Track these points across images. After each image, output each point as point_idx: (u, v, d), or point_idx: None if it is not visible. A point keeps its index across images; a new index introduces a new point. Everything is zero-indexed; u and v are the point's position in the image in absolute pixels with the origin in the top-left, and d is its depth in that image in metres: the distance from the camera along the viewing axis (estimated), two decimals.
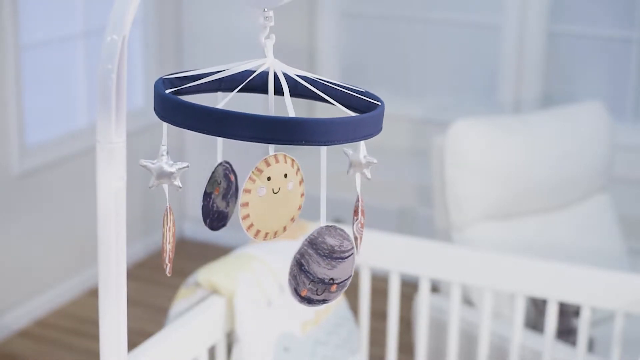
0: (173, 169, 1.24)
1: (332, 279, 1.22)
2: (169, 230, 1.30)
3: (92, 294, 4.04)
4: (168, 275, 1.33)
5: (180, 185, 1.25)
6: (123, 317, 1.36)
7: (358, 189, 1.28)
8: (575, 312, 2.68)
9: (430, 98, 4.63)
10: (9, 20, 3.59)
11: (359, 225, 1.30)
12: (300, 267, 1.21)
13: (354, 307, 2.85)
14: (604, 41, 4.29)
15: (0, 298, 3.70)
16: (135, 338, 2.17)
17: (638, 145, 4.17)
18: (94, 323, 3.64)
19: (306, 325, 2.18)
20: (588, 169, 3.03)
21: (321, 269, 1.22)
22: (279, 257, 2.20)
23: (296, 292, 1.22)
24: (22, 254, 3.79)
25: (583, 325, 2.32)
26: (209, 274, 2.10)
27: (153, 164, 1.24)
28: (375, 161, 1.29)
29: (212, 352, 2.17)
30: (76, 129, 4.05)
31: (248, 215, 1.20)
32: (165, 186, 1.26)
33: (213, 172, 1.43)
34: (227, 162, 1.44)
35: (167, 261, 1.31)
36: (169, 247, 1.30)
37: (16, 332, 3.75)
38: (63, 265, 4.01)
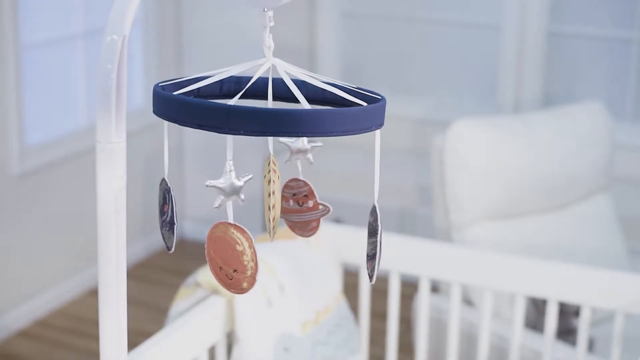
0: (241, 183, 1.19)
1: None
2: (250, 247, 1.21)
3: (92, 294, 4.03)
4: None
5: (244, 199, 1.19)
6: (123, 317, 1.36)
7: (301, 175, 1.33)
8: (575, 312, 2.68)
9: (431, 98, 4.62)
10: (9, 20, 3.59)
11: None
12: (380, 249, 1.24)
13: (354, 307, 2.85)
14: (604, 41, 4.29)
15: (0, 298, 3.70)
16: (135, 338, 2.17)
17: (638, 145, 4.17)
18: (94, 323, 3.64)
19: (306, 325, 2.18)
20: (588, 168, 3.03)
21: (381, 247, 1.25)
22: (278, 257, 2.20)
23: (372, 275, 1.24)
24: (22, 254, 3.79)
25: (583, 325, 2.32)
26: (209, 274, 2.10)
27: (221, 183, 1.18)
28: (320, 144, 1.30)
29: (212, 352, 2.17)
30: (76, 129, 4.05)
31: (274, 218, 1.22)
32: (230, 203, 1.19)
33: (169, 189, 1.31)
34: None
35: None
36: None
37: (16, 332, 3.75)
38: (63, 265, 4.01)
